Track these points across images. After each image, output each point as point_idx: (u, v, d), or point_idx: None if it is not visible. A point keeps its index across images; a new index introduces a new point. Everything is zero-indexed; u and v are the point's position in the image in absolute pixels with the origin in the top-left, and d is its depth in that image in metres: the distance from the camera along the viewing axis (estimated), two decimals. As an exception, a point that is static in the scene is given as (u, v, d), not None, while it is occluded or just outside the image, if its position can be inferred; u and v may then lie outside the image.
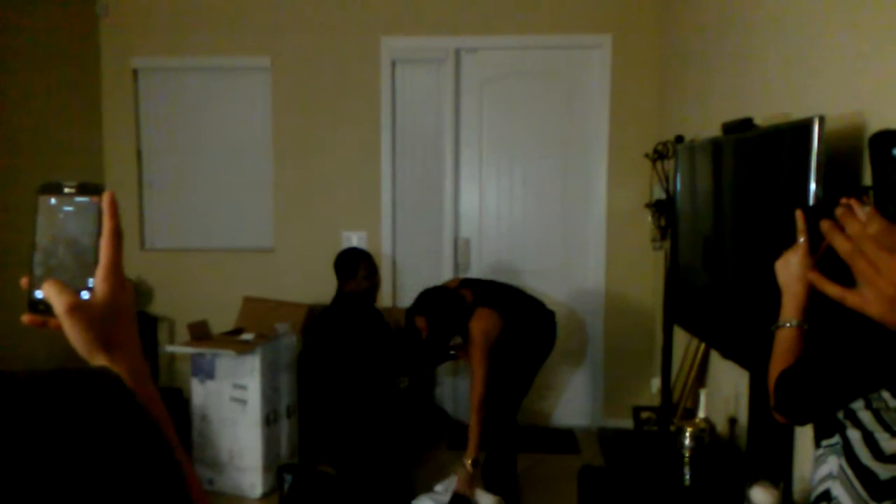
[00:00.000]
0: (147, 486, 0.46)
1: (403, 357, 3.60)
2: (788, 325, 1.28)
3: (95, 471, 0.43)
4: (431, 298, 3.15)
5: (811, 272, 0.95)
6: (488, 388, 3.25)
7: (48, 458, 0.42)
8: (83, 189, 0.68)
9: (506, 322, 3.15)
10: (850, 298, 0.90)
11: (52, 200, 0.68)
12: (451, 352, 3.54)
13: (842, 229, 0.91)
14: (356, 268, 3.61)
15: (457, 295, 3.16)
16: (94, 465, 0.43)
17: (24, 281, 0.67)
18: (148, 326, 4.39)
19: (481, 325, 3.10)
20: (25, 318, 0.67)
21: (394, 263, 4.43)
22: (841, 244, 0.87)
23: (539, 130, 4.32)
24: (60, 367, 0.49)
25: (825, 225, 0.89)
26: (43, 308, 0.66)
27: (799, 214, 1.28)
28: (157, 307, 4.53)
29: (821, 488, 1.25)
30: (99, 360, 0.66)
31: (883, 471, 1.15)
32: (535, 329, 3.31)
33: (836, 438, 1.21)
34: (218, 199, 4.56)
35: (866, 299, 0.88)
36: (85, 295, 0.66)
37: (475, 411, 3.08)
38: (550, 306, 3.45)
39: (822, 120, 1.71)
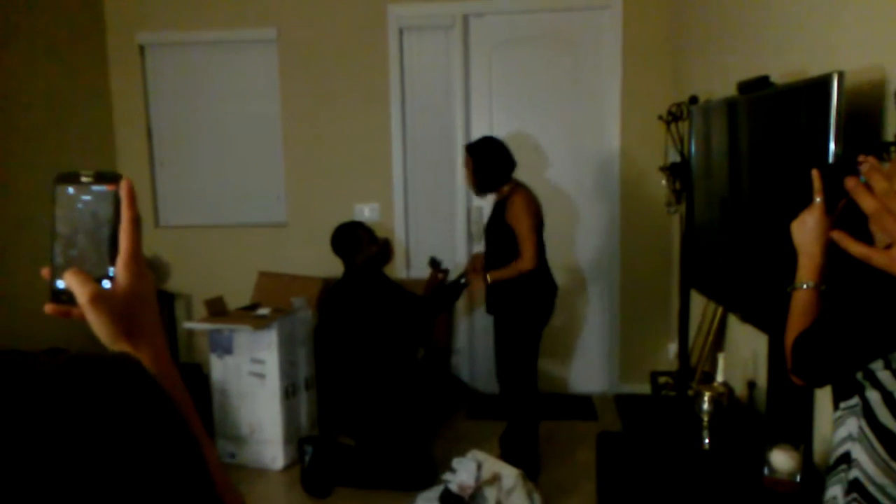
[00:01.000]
0: (168, 471, 0.46)
1: (419, 317, 3.59)
2: (805, 286, 1.26)
3: (116, 456, 0.43)
4: (487, 141, 3.31)
5: (835, 231, 0.92)
6: (506, 360, 3.25)
7: (68, 443, 0.42)
8: (100, 178, 0.68)
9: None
10: (877, 258, 0.87)
11: (70, 190, 0.68)
12: (462, 280, 3.54)
13: (867, 187, 0.88)
14: (357, 238, 3.60)
15: (512, 162, 3.28)
16: (114, 450, 0.43)
17: (45, 271, 0.68)
18: (165, 304, 4.43)
19: (523, 197, 3.19)
20: (48, 308, 0.68)
21: (407, 233, 4.41)
22: (867, 202, 0.85)
23: (550, 95, 4.26)
24: (80, 352, 0.49)
25: (850, 182, 0.86)
26: (65, 298, 0.67)
27: (815, 174, 1.24)
28: (174, 284, 4.56)
29: (841, 450, 1.24)
30: (122, 348, 0.67)
31: (904, 432, 1.13)
32: (540, 283, 3.29)
33: (856, 400, 1.20)
34: (230, 174, 4.55)
35: (893, 258, 0.85)
36: (106, 284, 0.67)
37: (511, 268, 3.15)
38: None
39: (841, 76, 1.65)
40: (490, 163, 3.25)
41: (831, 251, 1.24)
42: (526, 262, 3.14)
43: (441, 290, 3.71)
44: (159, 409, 0.48)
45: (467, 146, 3.35)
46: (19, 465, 0.40)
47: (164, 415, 0.48)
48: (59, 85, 4.07)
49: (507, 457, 3.21)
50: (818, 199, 1.24)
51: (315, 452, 3.29)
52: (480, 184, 3.31)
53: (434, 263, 3.82)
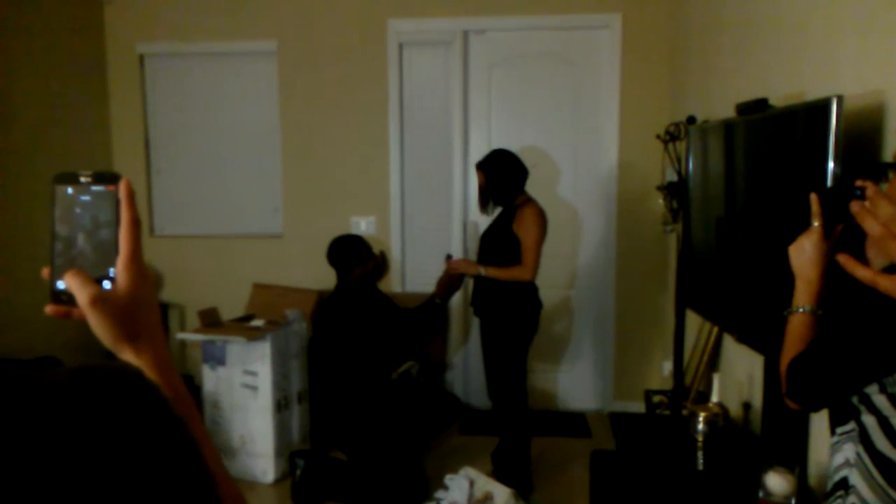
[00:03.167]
0: (169, 484, 0.46)
1: (410, 331, 3.55)
2: (802, 310, 1.26)
3: (117, 470, 0.42)
4: (498, 154, 3.28)
5: (841, 255, 0.92)
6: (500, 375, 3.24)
7: (68, 456, 0.41)
8: (99, 178, 0.67)
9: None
10: (883, 282, 0.87)
11: (69, 190, 0.68)
12: (437, 300, 3.48)
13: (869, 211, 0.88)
14: (358, 251, 3.57)
15: (525, 171, 3.26)
16: (115, 463, 0.42)
17: (45, 271, 0.67)
18: (159, 313, 4.40)
19: (535, 210, 3.19)
20: (49, 308, 0.67)
21: (403, 248, 4.41)
22: (872, 226, 0.84)
23: (548, 113, 4.27)
24: (82, 364, 0.48)
25: (855, 206, 0.86)
26: (66, 299, 0.66)
27: (813, 198, 1.24)
28: (168, 294, 4.54)
29: (838, 476, 1.23)
30: (124, 350, 0.66)
31: (901, 458, 1.12)
32: (529, 297, 3.28)
33: (852, 425, 1.19)
34: (227, 185, 4.55)
35: None
36: (107, 285, 0.66)
37: (510, 271, 3.16)
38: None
39: (840, 99, 1.66)
40: (504, 175, 3.23)
41: (828, 274, 1.24)
42: (526, 271, 3.14)
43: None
44: (161, 421, 0.47)
45: (478, 164, 3.31)
46: (24, 479, 0.39)
47: (166, 427, 0.48)
48: (57, 92, 4.06)
49: (499, 473, 3.19)
50: (816, 224, 1.24)
51: (306, 466, 3.26)
52: (496, 197, 3.27)
53: (450, 259, 3.76)
